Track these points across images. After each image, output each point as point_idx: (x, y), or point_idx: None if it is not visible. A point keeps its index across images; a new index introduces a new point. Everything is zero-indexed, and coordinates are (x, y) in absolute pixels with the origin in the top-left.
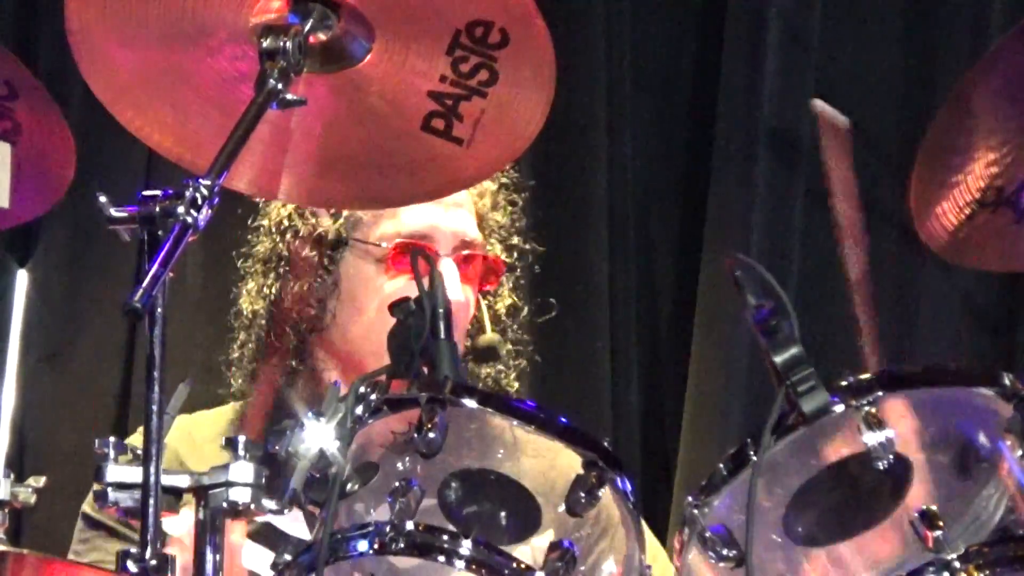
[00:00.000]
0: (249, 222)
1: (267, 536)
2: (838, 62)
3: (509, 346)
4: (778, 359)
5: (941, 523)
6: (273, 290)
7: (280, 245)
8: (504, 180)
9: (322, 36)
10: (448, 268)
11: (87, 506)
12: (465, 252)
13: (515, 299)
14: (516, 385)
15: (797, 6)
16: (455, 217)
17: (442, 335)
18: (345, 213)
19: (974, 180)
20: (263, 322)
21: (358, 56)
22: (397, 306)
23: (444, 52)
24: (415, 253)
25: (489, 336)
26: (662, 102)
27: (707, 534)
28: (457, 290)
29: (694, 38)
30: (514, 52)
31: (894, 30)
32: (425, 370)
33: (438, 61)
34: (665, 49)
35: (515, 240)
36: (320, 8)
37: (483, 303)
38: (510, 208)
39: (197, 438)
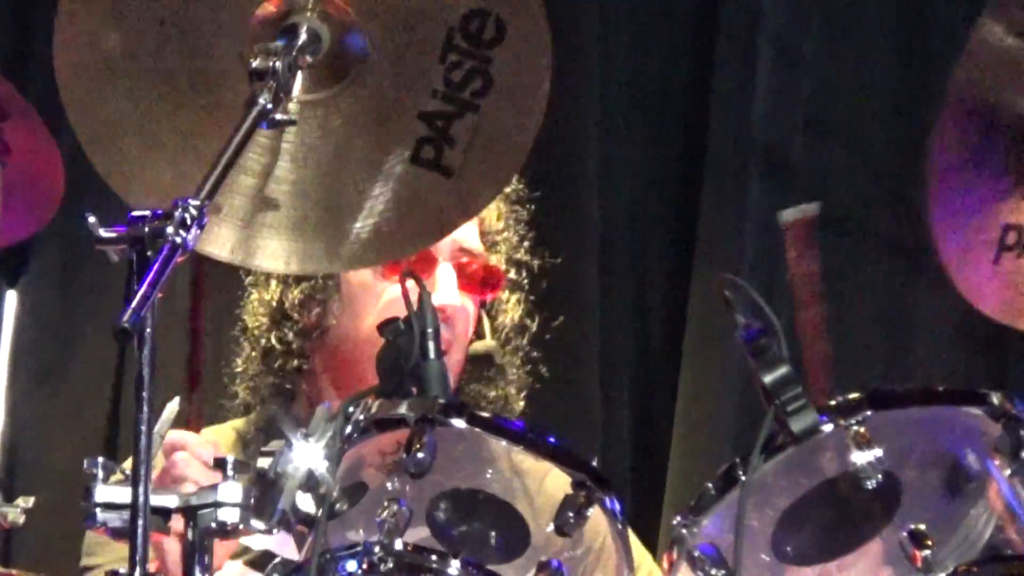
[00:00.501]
0: None
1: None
2: (831, 79)
3: (518, 362)
4: (767, 379)
5: (930, 542)
6: (275, 296)
7: None
8: (508, 192)
9: (311, 58)
10: (445, 272)
11: None
12: (464, 259)
13: (522, 316)
14: (522, 404)
15: (789, 23)
16: None
17: (431, 355)
18: None
19: (992, 220)
20: (263, 329)
21: (350, 71)
22: (386, 326)
23: (437, 59)
24: (404, 274)
25: (485, 343)
26: (654, 120)
27: (696, 554)
28: (454, 294)
29: (686, 56)
30: (509, 49)
31: (887, 47)
32: (414, 390)
33: (431, 72)
34: (657, 67)
35: (521, 255)
36: (310, 29)
37: (484, 317)
38: (515, 222)
39: None
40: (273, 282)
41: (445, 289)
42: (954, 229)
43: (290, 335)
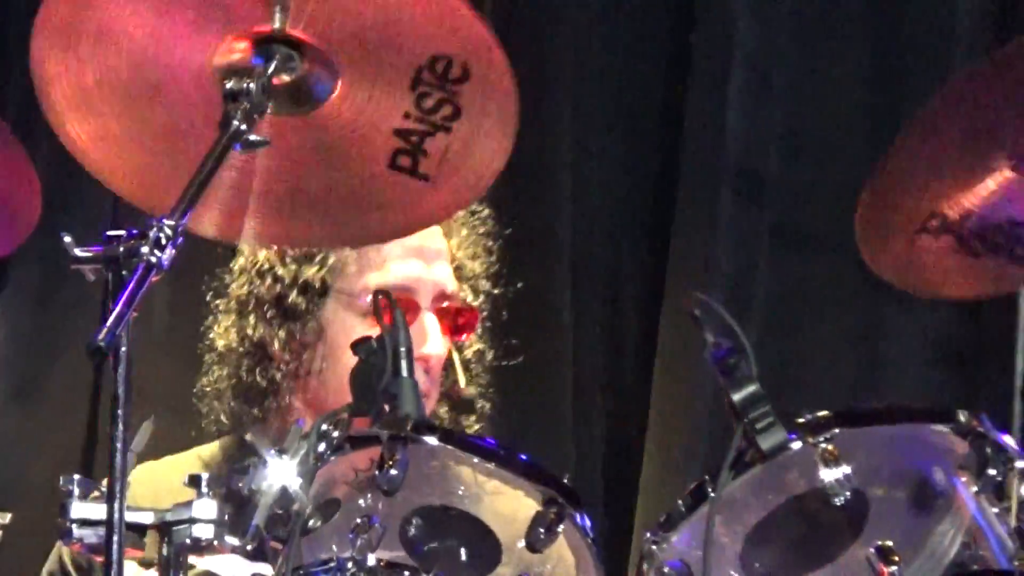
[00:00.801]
0: (232, 265)
1: None
2: (804, 98)
3: (473, 389)
4: (736, 397)
5: (897, 559)
6: (257, 332)
7: (261, 288)
8: (483, 230)
9: (286, 77)
10: (430, 321)
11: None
12: (444, 304)
13: (482, 343)
14: (476, 428)
15: (762, 44)
16: (437, 271)
17: (404, 373)
18: (329, 260)
19: (921, 206)
20: (242, 361)
21: (322, 96)
22: (359, 345)
23: (408, 88)
24: (377, 293)
25: (469, 391)
26: (627, 141)
27: (665, 569)
28: (439, 343)
29: (660, 77)
30: (475, 87)
31: (860, 65)
32: (387, 408)
33: (402, 98)
34: (631, 88)
35: (485, 285)
36: (284, 50)
37: (455, 353)
38: (486, 256)
39: (162, 487)
40: (252, 316)
41: (431, 339)
42: (879, 213)
43: (277, 376)
